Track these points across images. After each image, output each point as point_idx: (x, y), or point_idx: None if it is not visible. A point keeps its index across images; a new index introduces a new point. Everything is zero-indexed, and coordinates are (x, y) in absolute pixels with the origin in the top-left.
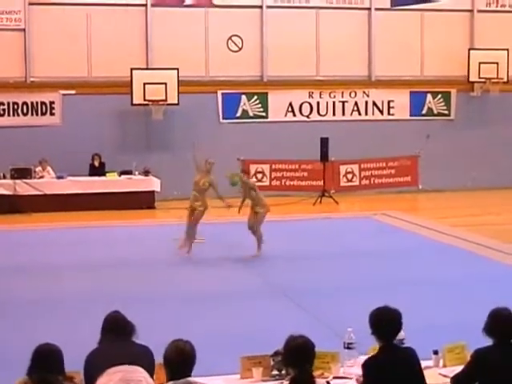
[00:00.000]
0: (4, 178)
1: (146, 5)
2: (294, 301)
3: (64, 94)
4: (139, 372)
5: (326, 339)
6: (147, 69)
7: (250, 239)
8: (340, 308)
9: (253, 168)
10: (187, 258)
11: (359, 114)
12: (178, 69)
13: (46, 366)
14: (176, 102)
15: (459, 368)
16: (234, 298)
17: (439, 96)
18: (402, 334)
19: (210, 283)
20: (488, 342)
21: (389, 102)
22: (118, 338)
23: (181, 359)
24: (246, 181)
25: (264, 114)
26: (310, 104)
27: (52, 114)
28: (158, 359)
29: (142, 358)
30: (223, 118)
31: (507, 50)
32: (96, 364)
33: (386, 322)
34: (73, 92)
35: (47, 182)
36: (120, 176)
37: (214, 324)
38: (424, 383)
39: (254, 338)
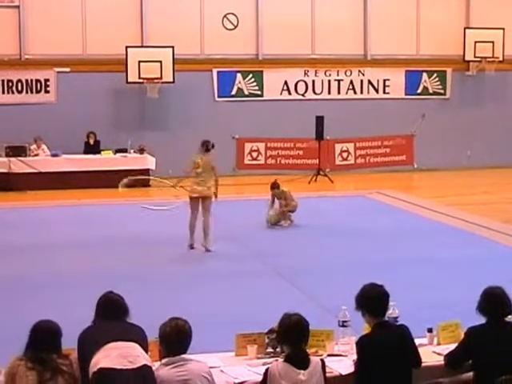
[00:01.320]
0: None
1: None
2: (289, 280)
3: (59, 72)
4: (136, 348)
5: (320, 317)
6: (142, 46)
7: (243, 217)
8: (334, 286)
9: (248, 146)
10: (182, 236)
11: (354, 92)
12: (173, 47)
13: (41, 344)
14: (171, 80)
15: (453, 346)
16: (229, 277)
17: (435, 75)
18: (396, 312)
19: (204, 262)
20: (481, 320)
21: (384, 81)
22: (111, 318)
23: (179, 338)
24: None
25: (259, 92)
26: (305, 82)
27: (47, 91)
28: (151, 338)
29: (136, 335)
30: (218, 97)
31: (503, 29)
32: (91, 341)
33: (372, 298)
34: (67, 70)
35: (42, 160)
36: (115, 154)
37: (209, 302)
38: (419, 360)
39: (249, 316)
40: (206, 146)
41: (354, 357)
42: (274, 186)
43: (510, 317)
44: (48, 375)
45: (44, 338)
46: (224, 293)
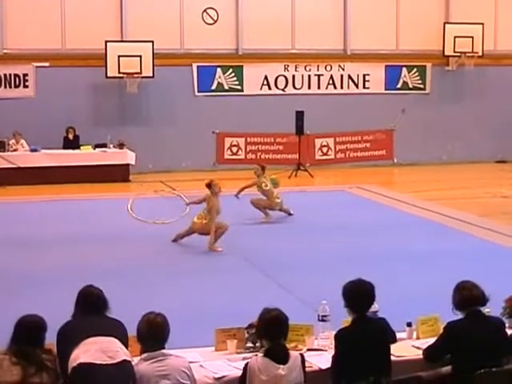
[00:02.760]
0: None
1: None
2: (268, 274)
3: (37, 67)
4: (115, 343)
5: (300, 312)
6: (122, 41)
7: (222, 212)
8: (314, 281)
9: (228, 141)
10: (161, 232)
11: (334, 87)
12: (152, 41)
13: (26, 338)
14: (151, 74)
15: (432, 340)
16: (208, 273)
17: (414, 70)
18: (375, 306)
19: (182, 258)
20: (460, 315)
21: (364, 76)
22: (91, 312)
23: (153, 332)
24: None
25: (239, 87)
26: (285, 77)
27: (25, 86)
28: (131, 333)
29: (116, 330)
30: (198, 91)
31: (482, 24)
32: (70, 336)
33: (359, 294)
34: (46, 64)
35: (21, 155)
36: (94, 149)
37: (189, 297)
38: (388, 358)
39: (229, 310)
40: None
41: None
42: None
43: (487, 310)
44: (32, 370)
45: (28, 332)
46: (204, 288)
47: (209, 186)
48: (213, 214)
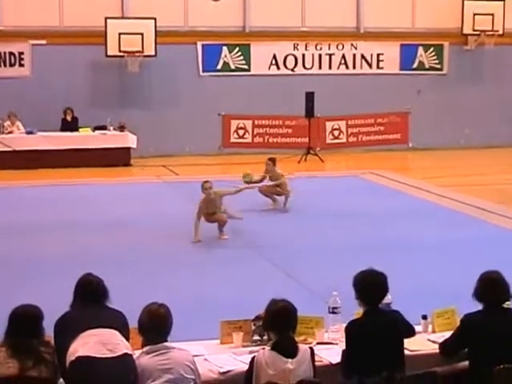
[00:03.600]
0: None
1: None
2: (277, 264)
3: (34, 45)
4: (116, 335)
5: (309, 304)
6: (122, 18)
7: (228, 199)
8: (324, 271)
9: (234, 124)
10: (164, 220)
11: (347, 67)
12: (155, 18)
13: (22, 329)
14: (153, 53)
15: (448, 334)
16: (213, 262)
17: (431, 49)
18: (388, 298)
19: (186, 247)
20: (478, 306)
21: (378, 55)
22: (90, 302)
23: (155, 323)
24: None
25: (246, 66)
26: (294, 57)
27: (21, 65)
28: (133, 324)
29: (116, 322)
30: (203, 71)
31: (503, 0)
32: (68, 327)
33: (371, 285)
34: (43, 42)
35: (16, 138)
36: (94, 131)
37: (193, 288)
38: (402, 352)
39: (234, 302)
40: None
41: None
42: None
43: (508, 303)
44: (30, 363)
45: (24, 323)
46: (208, 278)
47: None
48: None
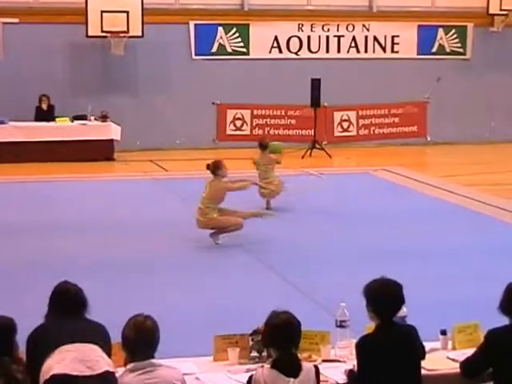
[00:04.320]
0: None
1: None
2: (277, 271)
3: (5, 23)
4: (96, 351)
5: (314, 316)
6: None
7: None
8: (331, 280)
9: (230, 114)
10: (151, 219)
11: (357, 51)
12: None
13: None
14: (140, 34)
15: (471, 351)
16: (207, 269)
17: (453, 31)
18: (403, 311)
19: (177, 251)
20: (504, 321)
21: (393, 38)
22: (67, 313)
23: (140, 337)
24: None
25: (245, 49)
26: (299, 38)
27: None
28: (115, 339)
29: (97, 336)
30: (196, 54)
31: None
32: (42, 342)
33: (384, 296)
34: (16, 20)
35: None
36: (72, 122)
37: (183, 298)
38: (418, 371)
39: (230, 314)
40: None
41: (354, 362)
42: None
43: None
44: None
45: None
46: (201, 287)
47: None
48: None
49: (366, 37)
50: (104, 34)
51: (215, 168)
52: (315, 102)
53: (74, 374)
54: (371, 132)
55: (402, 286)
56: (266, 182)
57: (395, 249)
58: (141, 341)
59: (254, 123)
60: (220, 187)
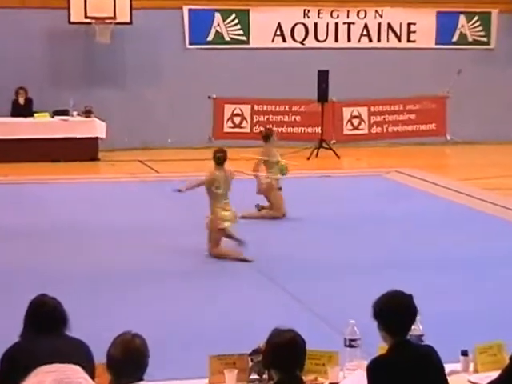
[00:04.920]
0: None
1: None
2: (279, 283)
3: None
4: (78, 372)
5: (320, 334)
6: None
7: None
8: (340, 295)
9: (228, 109)
10: (139, 225)
11: (370, 40)
12: None
13: None
14: (128, 20)
15: (495, 374)
16: (204, 282)
17: (476, 18)
18: (420, 329)
19: (173, 261)
20: None
21: (409, 26)
22: (45, 330)
23: (128, 358)
24: None
25: (244, 38)
26: (305, 26)
27: None
28: (99, 359)
29: (78, 355)
30: (190, 43)
31: None
32: (18, 362)
33: (393, 311)
34: None
35: None
36: (53, 117)
37: (174, 313)
38: None
39: (228, 331)
40: (218, 159)
41: None
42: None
43: None
44: None
45: None
46: (194, 301)
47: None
48: None
49: (379, 24)
50: (88, 20)
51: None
52: (322, 96)
53: None
54: (384, 130)
55: (412, 297)
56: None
57: (409, 258)
58: (128, 361)
59: (255, 120)
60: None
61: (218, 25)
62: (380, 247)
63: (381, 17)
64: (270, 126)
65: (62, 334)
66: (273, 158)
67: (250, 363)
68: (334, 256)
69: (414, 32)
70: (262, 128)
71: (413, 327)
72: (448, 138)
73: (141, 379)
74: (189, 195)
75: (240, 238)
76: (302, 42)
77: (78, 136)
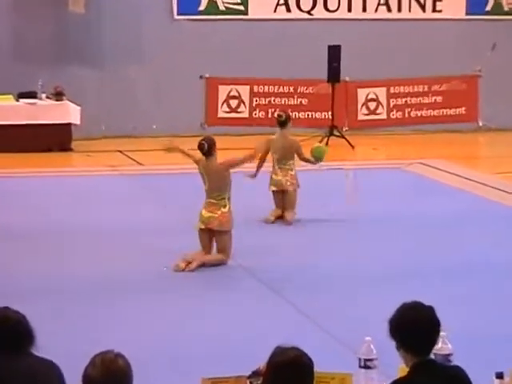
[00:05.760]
0: None
1: None
2: (282, 295)
3: None
4: None
5: (331, 353)
6: None
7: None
8: (352, 306)
9: (224, 90)
10: (120, 227)
11: (388, 9)
12: None
13: None
14: None
15: None
16: (194, 290)
17: None
18: (448, 347)
19: (156, 269)
20: None
21: None
22: (8, 348)
23: (109, 380)
24: None
25: (242, 7)
26: None
27: None
28: (72, 381)
29: (46, 376)
30: (179, 14)
31: None
32: None
33: (413, 325)
34: None
35: None
36: (18, 100)
37: (162, 329)
38: None
39: (225, 350)
40: (200, 148)
41: None
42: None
43: None
44: None
45: None
46: (186, 314)
47: None
48: None
49: None
50: None
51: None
52: (333, 75)
53: None
54: (405, 115)
55: (433, 309)
56: (281, 172)
57: (430, 265)
58: None
59: (254, 103)
60: None
61: None
62: (397, 252)
63: None
64: (273, 110)
65: (28, 353)
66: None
67: None
68: (344, 263)
69: (441, 0)
70: (278, 111)
71: (439, 345)
72: (480, 124)
73: None
74: (176, 191)
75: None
76: (309, 13)
77: (48, 122)
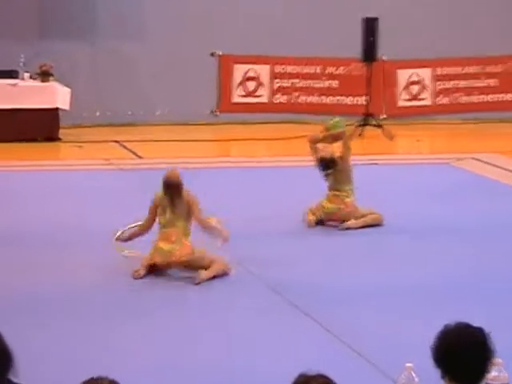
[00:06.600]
0: None
1: None
2: (307, 312)
3: None
4: None
5: (365, 380)
6: None
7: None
8: (389, 328)
9: (240, 70)
10: (113, 227)
11: None
12: None
13: None
14: None
15: None
16: (208, 310)
17: None
18: (504, 377)
19: (157, 280)
20: None
21: None
22: None
23: None
24: None
25: None
26: None
27: None
28: None
29: None
30: None
31: None
32: None
33: (465, 352)
34: None
35: None
36: None
37: (164, 349)
38: None
39: (241, 375)
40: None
41: None
42: None
43: None
44: None
45: None
46: (194, 331)
47: None
48: None
49: None
50: None
51: None
52: (369, 53)
53: None
54: (454, 101)
55: (484, 331)
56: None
57: (481, 280)
58: None
59: (276, 85)
60: None
61: None
62: (443, 266)
63: None
64: (298, 94)
65: (5, 378)
66: None
67: None
68: (379, 275)
69: None
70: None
71: (493, 373)
72: None
73: None
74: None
75: None
76: None
77: (32, 107)
